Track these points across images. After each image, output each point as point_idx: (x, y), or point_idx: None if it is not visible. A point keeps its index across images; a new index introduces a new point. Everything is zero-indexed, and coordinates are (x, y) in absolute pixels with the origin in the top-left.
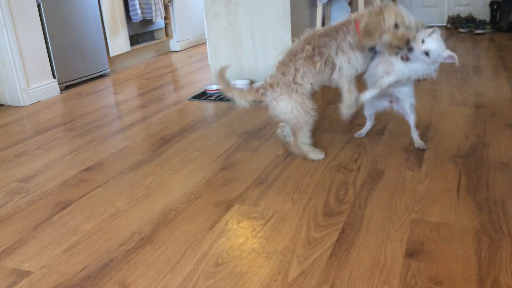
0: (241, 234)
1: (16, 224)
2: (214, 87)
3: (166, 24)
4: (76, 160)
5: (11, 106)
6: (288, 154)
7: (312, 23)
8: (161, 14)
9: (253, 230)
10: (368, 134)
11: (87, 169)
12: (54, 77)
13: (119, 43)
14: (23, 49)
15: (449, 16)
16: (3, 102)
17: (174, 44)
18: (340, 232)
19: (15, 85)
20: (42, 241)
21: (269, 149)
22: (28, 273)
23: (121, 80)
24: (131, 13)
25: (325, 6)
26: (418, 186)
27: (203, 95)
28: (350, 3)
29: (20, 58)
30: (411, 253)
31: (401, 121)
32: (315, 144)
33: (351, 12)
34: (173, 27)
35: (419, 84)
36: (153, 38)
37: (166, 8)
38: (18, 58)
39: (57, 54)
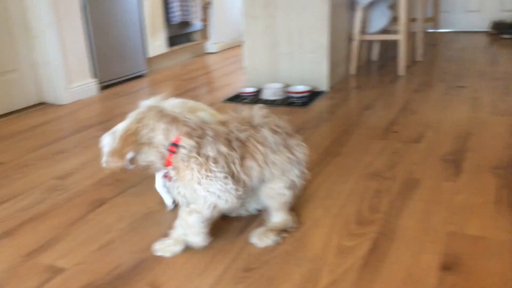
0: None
1: (52, 221)
2: (249, 89)
3: (203, 26)
4: None
5: (52, 104)
6: (322, 159)
7: (351, 27)
8: (199, 16)
9: (283, 236)
10: (405, 141)
11: (122, 169)
12: (94, 76)
13: (157, 44)
14: (66, 49)
15: (492, 22)
16: (45, 100)
17: (210, 46)
18: (373, 242)
19: (57, 83)
20: (77, 239)
21: None
22: (62, 270)
23: (158, 81)
24: (170, 15)
25: (364, 10)
26: (455, 197)
27: (237, 98)
28: (390, 7)
29: (63, 58)
30: (446, 267)
31: (440, 129)
32: (346, 153)
33: (391, 16)
34: (210, 29)
35: (460, 91)
36: (190, 40)
37: (204, 10)
38: (61, 58)
39: (98, 54)
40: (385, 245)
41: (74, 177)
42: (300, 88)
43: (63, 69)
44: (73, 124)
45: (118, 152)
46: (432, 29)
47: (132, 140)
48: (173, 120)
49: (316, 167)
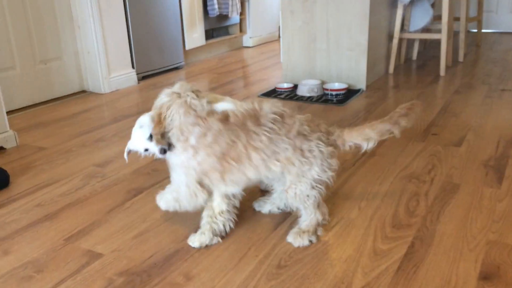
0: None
1: (91, 207)
2: (285, 85)
3: (241, 19)
4: None
5: (93, 92)
6: (357, 160)
7: (391, 25)
8: (237, 10)
9: (318, 235)
10: (444, 144)
11: (159, 159)
12: (133, 67)
13: (195, 37)
14: (107, 39)
15: None
16: (85, 88)
17: (247, 39)
18: (409, 246)
19: (98, 73)
20: (115, 226)
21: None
22: (100, 255)
23: (194, 73)
24: (208, 8)
25: (406, 8)
26: (497, 204)
27: (273, 93)
28: (432, 5)
29: (104, 48)
30: (485, 276)
31: (481, 133)
32: (383, 153)
33: (434, 14)
34: (247, 23)
35: (503, 94)
36: (227, 33)
37: (242, 4)
38: (102, 48)
39: (137, 45)
40: (422, 251)
41: (112, 165)
42: (337, 85)
43: (104, 59)
44: (112, 113)
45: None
46: (475, 29)
47: (162, 125)
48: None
49: (351, 166)
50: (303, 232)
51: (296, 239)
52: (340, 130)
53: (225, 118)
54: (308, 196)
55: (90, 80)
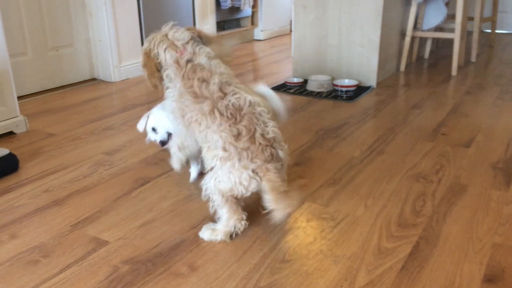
0: (309, 233)
1: (99, 194)
2: (295, 79)
3: (253, 12)
4: None
5: (103, 81)
6: (365, 157)
7: (404, 23)
8: (249, 2)
9: (322, 231)
10: (453, 145)
11: (166, 150)
12: None
13: (206, 28)
14: (119, 28)
15: None
16: (96, 76)
17: (258, 33)
18: (414, 246)
19: (108, 61)
20: (121, 214)
21: (345, 149)
22: (106, 243)
23: None
24: (221, 0)
25: (420, 6)
26: (504, 207)
27: (282, 87)
28: (447, 4)
29: (116, 36)
30: (489, 279)
31: (491, 134)
32: (391, 151)
33: (448, 13)
34: (259, 16)
35: None
36: (238, 26)
37: None
38: (113, 36)
39: (149, 35)
40: (426, 251)
41: (120, 153)
42: (347, 82)
43: (115, 48)
44: (121, 101)
45: (146, 68)
46: (489, 29)
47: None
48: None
49: (359, 164)
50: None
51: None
52: None
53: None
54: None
55: (101, 68)
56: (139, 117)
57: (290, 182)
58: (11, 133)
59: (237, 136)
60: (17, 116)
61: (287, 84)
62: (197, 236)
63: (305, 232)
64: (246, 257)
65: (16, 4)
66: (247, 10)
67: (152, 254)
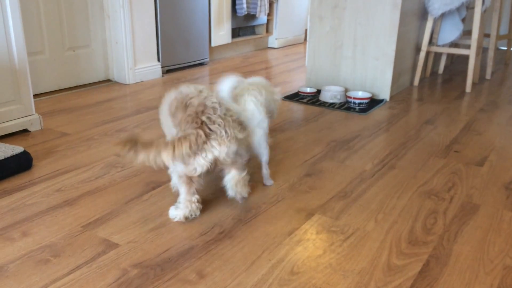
0: (319, 246)
1: (110, 196)
2: (308, 89)
3: (268, 20)
4: None
5: (117, 82)
6: (376, 171)
7: (420, 37)
8: (265, 10)
9: (332, 244)
10: (466, 163)
11: None
12: (158, 60)
13: (221, 34)
14: (135, 31)
15: None
16: (111, 77)
17: (273, 40)
18: (424, 264)
19: (124, 63)
20: (132, 217)
21: (356, 162)
22: (116, 245)
23: (218, 70)
24: (237, 7)
25: (436, 21)
26: None
27: (295, 96)
28: (463, 20)
29: (132, 39)
30: None
31: (505, 154)
32: (403, 167)
33: (464, 29)
34: (274, 24)
35: None
36: (253, 33)
37: (270, 4)
38: (130, 39)
39: (164, 39)
40: (437, 269)
41: None
42: (361, 94)
43: (130, 50)
44: (135, 104)
45: None
46: (505, 47)
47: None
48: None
49: (370, 178)
50: None
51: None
52: None
53: None
54: None
55: (116, 70)
56: (152, 120)
57: (300, 193)
58: (25, 131)
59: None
60: (32, 114)
61: (300, 93)
62: (207, 243)
63: (314, 245)
64: (254, 267)
65: (36, 4)
66: (262, 18)
67: (161, 259)
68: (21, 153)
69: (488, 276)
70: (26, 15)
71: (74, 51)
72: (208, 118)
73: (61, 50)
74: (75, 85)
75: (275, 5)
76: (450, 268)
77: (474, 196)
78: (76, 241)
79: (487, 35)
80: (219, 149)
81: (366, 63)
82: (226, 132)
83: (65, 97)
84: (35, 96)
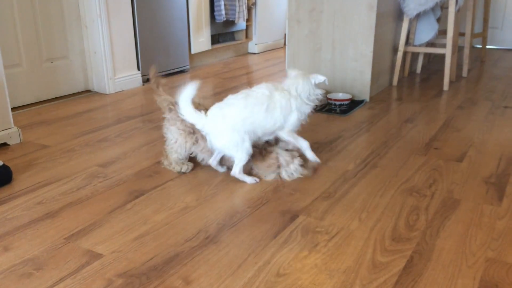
0: (304, 247)
1: (93, 207)
2: None
3: (247, 26)
4: (152, 151)
5: (97, 92)
6: (359, 171)
7: (396, 38)
8: (243, 16)
9: (317, 245)
10: (446, 159)
11: (160, 163)
12: (138, 69)
13: (201, 41)
14: (113, 40)
15: None
16: (90, 88)
17: (253, 46)
18: (408, 260)
19: (103, 73)
20: (115, 227)
21: (339, 163)
22: (100, 256)
23: (199, 77)
24: (215, 13)
25: (411, 21)
26: (496, 222)
27: None
28: (438, 20)
29: (110, 48)
30: None
31: (483, 149)
32: (384, 165)
33: (439, 29)
34: (254, 30)
35: (506, 112)
36: (233, 39)
37: (249, 10)
38: (108, 48)
39: (143, 47)
40: (420, 265)
41: (115, 165)
42: (341, 95)
43: (110, 60)
44: (116, 113)
45: None
46: (480, 45)
47: None
48: None
49: (352, 177)
50: None
51: None
52: None
53: None
54: None
55: (95, 80)
56: (134, 129)
57: (284, 196)
58: (4, 145)
59: None
60: (11, 128)
61: None
62: (192, 249)
63: (300, 246)
64: (240, 271)
65: (11, 16)
66: (241, 24)
67: (147, 267)
68: (0, 167)
69: (470, 269)
70: (1, 27)
71: (52, 62)
72: None
73: (39, 62)
74: (54, 96)
75: (253, 10)
76: (434, 263)
77: (454, 191)
78: (59, 253)
79: (462, 34)
80: None
81: (345, 65)
82: None
83: (44, 109)
84: (14, 109)
